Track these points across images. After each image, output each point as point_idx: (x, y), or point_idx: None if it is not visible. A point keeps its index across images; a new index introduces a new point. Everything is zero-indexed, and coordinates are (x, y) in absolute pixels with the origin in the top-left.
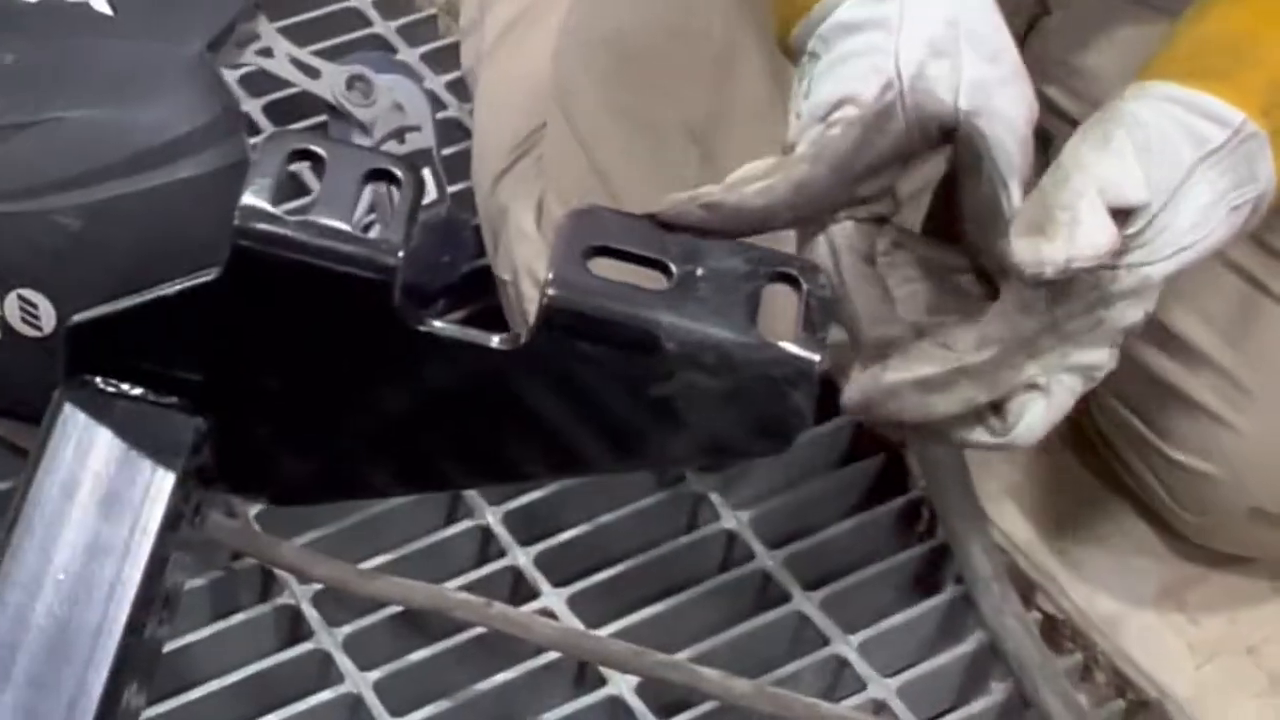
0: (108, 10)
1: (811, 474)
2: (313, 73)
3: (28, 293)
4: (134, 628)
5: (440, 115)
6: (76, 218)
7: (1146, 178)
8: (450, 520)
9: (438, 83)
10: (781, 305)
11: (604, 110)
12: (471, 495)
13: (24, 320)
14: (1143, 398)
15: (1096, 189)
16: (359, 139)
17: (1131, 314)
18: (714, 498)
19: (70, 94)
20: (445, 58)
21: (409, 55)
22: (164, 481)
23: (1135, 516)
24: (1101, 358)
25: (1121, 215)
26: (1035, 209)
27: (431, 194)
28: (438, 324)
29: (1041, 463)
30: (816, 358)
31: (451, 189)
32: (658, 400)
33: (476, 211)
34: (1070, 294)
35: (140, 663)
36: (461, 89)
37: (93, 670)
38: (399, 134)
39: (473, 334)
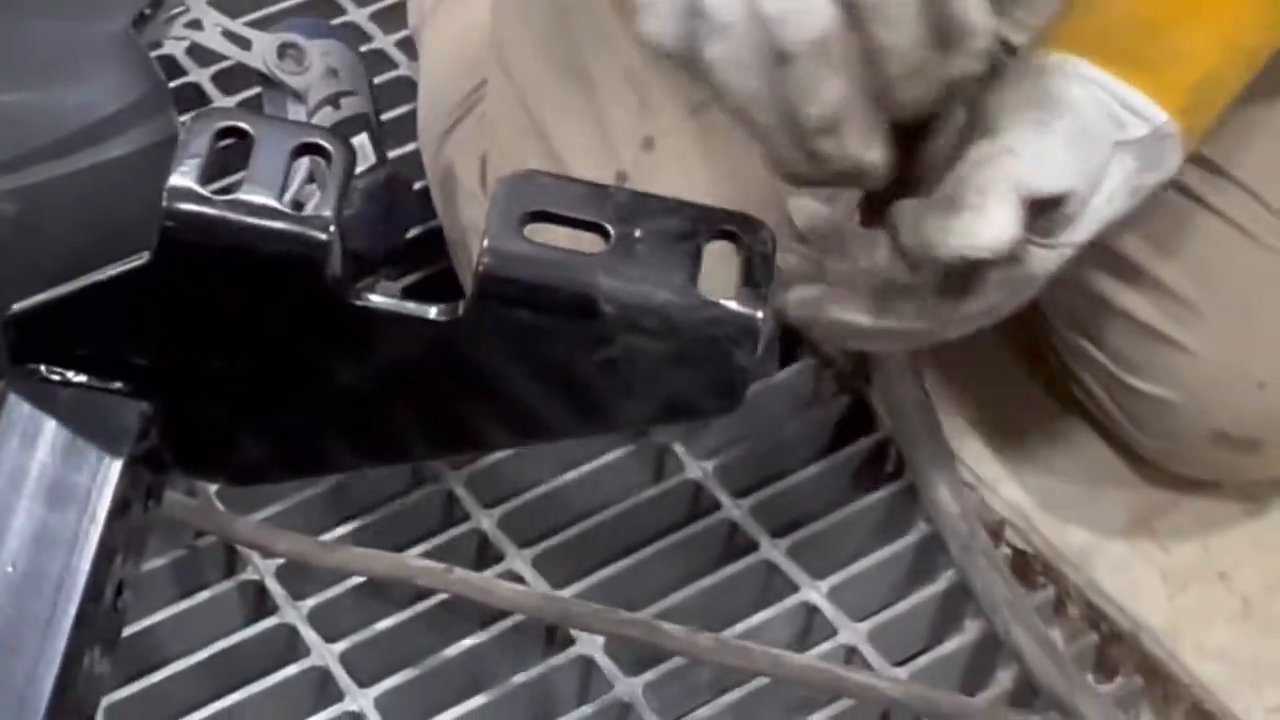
0: None
1: (776, 420)
2: (243, 43)
3: None
4: (83, 618)
5: (391, 75)
6: (10, 203)
7: (1076, 165)
8: (414, 486)
9: (387, 42)
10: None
11: (542, 64)
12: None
13: None
14: (1097, 325)
15: (1013, 183)
16: (293, 107)
17: (1033, 276)
18: (678, 449)
19: None
20: (394, 16)
21: (357, 15)
22: (110, 468)
23: (1102, 446)
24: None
25: (1042, 201)
26: (953, 184)
27: (370, 159)
28: (375, 298)
29: (1006, 398)
30: (759, 314)
31: (404, 150)
32: (602, 364)
33: (426, 173)
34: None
35: (92, 650)
36: (411, 47)
37: (43, 663)
38: (334, 100)
39: (410, 306)
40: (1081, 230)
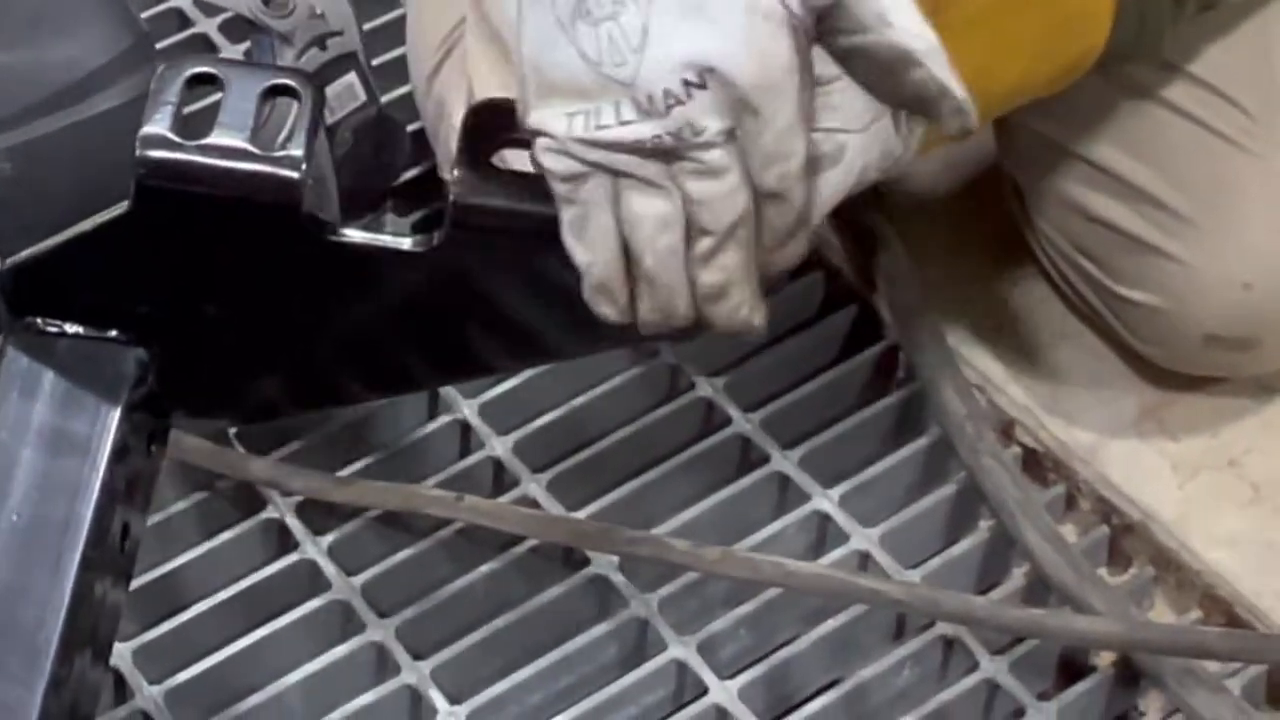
0: None
1: (785, 332)
2: None
3: None
4: (89, 561)
5: (388, 17)
6: (6, 160)
7: None
8: (429, 418)
9: None
10: None
11: None
12: (448, 391)
13: None
14: (1087, 239)
15: None
16: (282, 50)
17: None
18: (688, 367)
19: None
20: None
21: None
22: (109, 415)
23: (1107, 344)
24: None
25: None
26: None
27: (360, 98)
28: (351, 233)
29: (1012, 300)
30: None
31: (402, 91)
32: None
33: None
34: None
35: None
36: None
37: (51, 607)
38: (320, 41)
39: (386, 239)
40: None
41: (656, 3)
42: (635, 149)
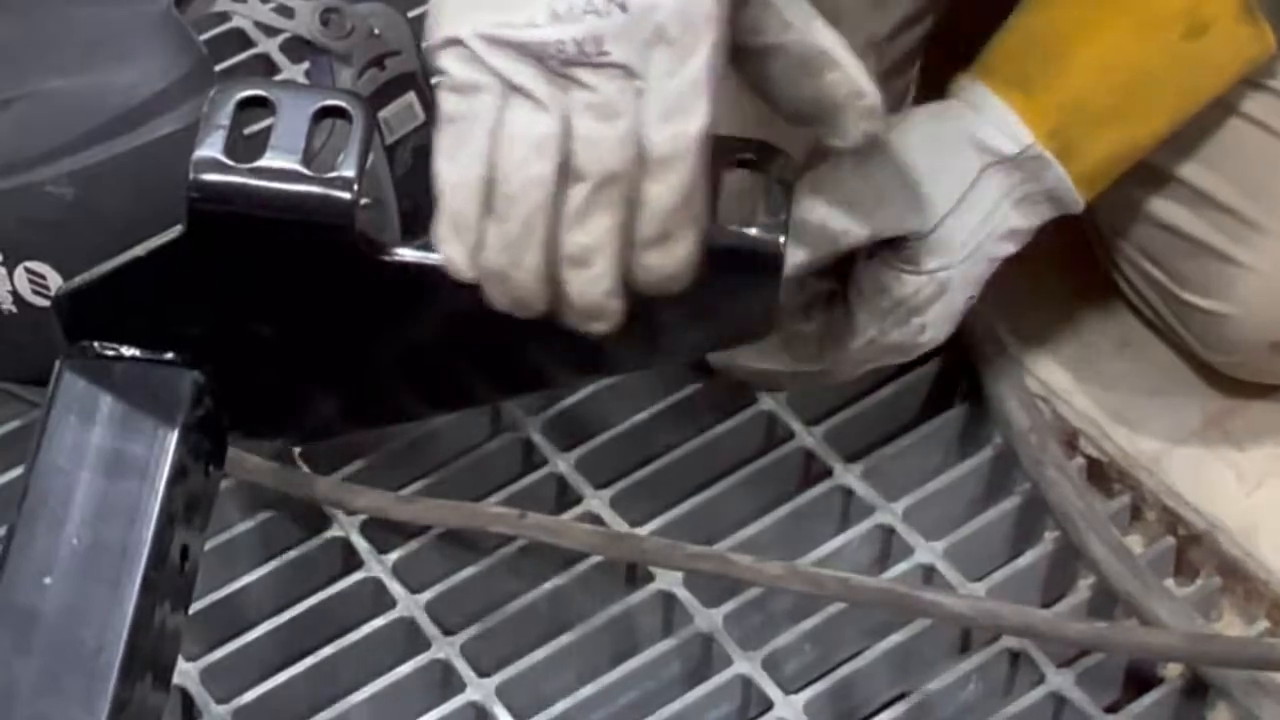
0: None
1: None
2: (287, 13)
3: (34, 264)
4: (149, 583)
5: None
6: (68, 186)
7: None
8: (492, 435)
9: None
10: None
11: None
12: (510, 409)
13: (34, 292)
14: (1155, 245)
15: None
16: (340, 70)
17: (915, 304)
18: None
19: (44, 66)
20: None
21: None
22: (167, 437)
23: (1171, 353)
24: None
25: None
26: None
27: (419, 118)
28: (403, 251)
29: (1074, 310)
30: (781, 239)
31: None
32: (635, 297)
33: None
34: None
35: (162, 608)
36: None
37: (111, 631)
38: (379, 61)
39: (437, 257)
40: (953, 252)
41: None
42: (539, 54)
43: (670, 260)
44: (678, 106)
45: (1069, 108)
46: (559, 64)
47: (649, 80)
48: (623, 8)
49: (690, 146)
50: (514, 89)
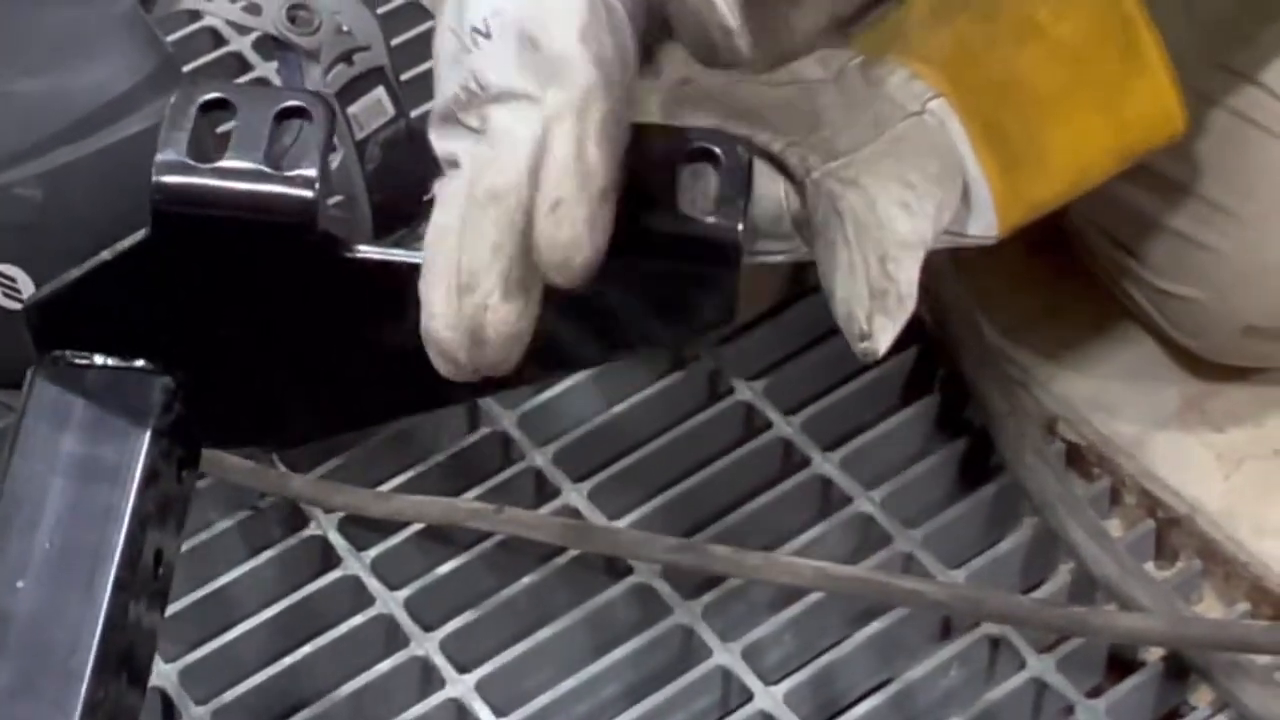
0: None
1: (823, 334)
2: (254, 10)
3: (3, 267)
4: (121, 585)
5: (418, 30)
6: (35, 188)
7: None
8: (469, 430)
9: None
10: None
11: None
12: (488, 403)
13: (5, 295)
14: (1127, 232)
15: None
16: (309, 67)
17: None
18: (727, 371)
19: (9, 67)
20: None
21: None
22: (138, 441)
23: (1149, 338)
24: None
25: None
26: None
27: (389, 112)
28: (367, 249)
29: (1052, 296)
30: (738, 227)
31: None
32: (596, 291)
33: None
34: None
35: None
36: None
37: (85, 633)
38: (347, 56)
39: (402, 254)
40: None
41: None
42: (451, 118)
43: (564, 233)
44: (553, 73)
45: (1038, 207)
46: (464, 115)
47: (549, 109)
48: (487, 35)
49: (573, 103)
50: (451, 165)
